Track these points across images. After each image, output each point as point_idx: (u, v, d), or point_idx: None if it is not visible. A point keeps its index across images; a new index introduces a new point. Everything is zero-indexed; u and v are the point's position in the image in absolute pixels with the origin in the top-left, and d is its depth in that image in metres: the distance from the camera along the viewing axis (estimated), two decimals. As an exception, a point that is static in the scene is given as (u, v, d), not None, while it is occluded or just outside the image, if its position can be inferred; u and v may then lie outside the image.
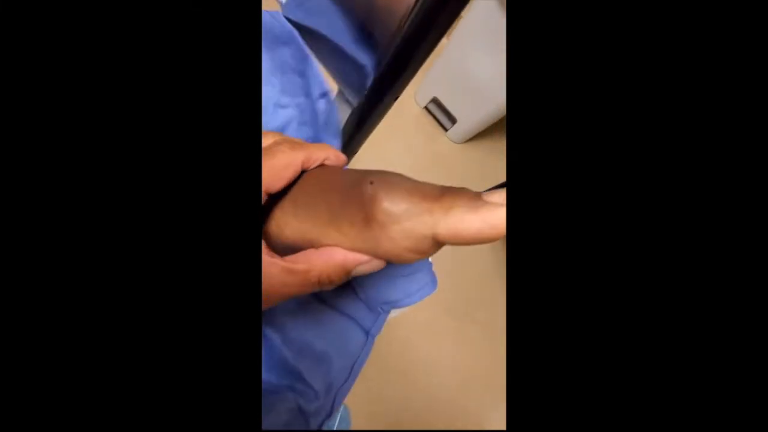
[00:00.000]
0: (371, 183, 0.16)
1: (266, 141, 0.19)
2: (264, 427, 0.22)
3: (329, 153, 0.20)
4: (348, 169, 0.20)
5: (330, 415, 0.24)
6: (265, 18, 0.29)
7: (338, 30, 0.27)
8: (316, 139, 0.29)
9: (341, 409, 0.76)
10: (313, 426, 0.23)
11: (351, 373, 0.26)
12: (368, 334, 0.27)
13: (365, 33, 0.27)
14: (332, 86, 0.29)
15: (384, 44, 0.24)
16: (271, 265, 0.16)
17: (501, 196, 0.14)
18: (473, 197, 0.14)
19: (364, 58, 0.26)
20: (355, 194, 0.16)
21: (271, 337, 0.24)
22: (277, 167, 0.18)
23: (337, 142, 0.29)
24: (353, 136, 0.30)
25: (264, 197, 0.18)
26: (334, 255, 0.17)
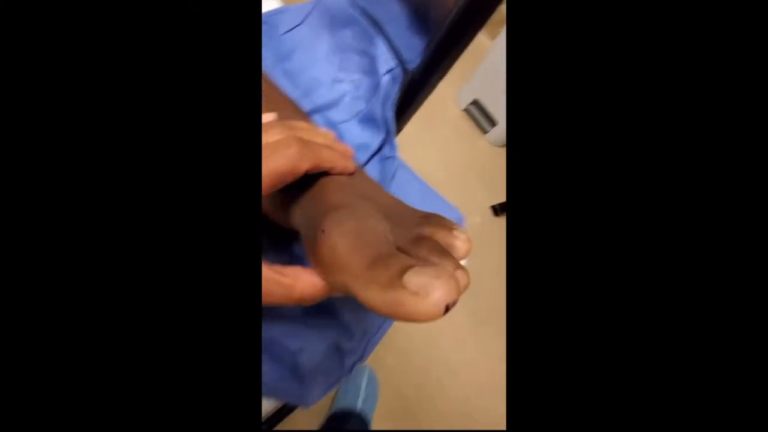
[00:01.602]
0: (322, 231, 0.17)
1: (281, 132, 0.19)
2: (303, 356, 0.24)
3: (337, 162, 0.20)
4: (318, 200, 0.20)
5: (362, 358, 0.26)
6: (329, 2, 0.32)
7: (393, 16, 0.30)
8: (369, 112, 0.32)
9: (368, 369, 0.77)
10: (347, 364, 0.26)
11: (380, 330, 0.28)
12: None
13: (419, 16, 0.30)
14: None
15: (438, 23, 0.26)
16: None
17: (422, 280, 0.14)
18: (394, 276, 0.15)
19: (414, 44, 0.29)
20: (312, 232, 0.18)
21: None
22: (279, 172, 0.18)
23: (391, 115, 0.31)
24: (398, 115, 0.32)
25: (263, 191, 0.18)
26: (318, 279, 0.17)
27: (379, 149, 0.32)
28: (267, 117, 0.22)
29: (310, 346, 0.25)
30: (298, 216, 0.20)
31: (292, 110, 0.27)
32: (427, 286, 0.14)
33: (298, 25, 0.32)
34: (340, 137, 0.32)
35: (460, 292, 0.15)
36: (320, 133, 0.22)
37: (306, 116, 0.28)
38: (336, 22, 0.32)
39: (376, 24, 0.31)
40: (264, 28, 0.32)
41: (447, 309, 0.14)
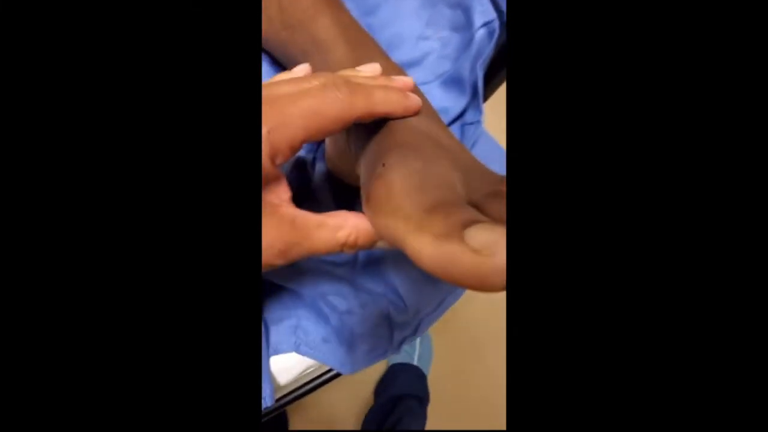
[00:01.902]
0: (383, 165, 0.15)
1: (326, 77, 0.17)
2: (352, 318, 0.23)
3: (395, 105, 0.18)
4: (383, 140, 0.18)
5: (414, 334, 0.24)
6: (426, -51, 0.29)
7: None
8: (455, 73, 0.28)
9: (425, 344, 0.76)
10: (397, 338, 0.24)
11: (440, 306, 0.26)
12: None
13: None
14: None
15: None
16: (296, 216, 0.16)
17: (490, 238, 0.12)
18: (455, 226, 0.12)
19: None
20: (371, 170, 0.16)
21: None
22: (324, 115, 0.16)
23: (481, 75, 0.28)
24: (489, 78, 0.29)
25: (298, 144, 0.16)
26: (367, 222, 0.16)
27: (462, 114, 0.29)
28: (303, 69, 0.20)
29: (359, 309, 0.23)
30: (363, 165, 0.19)
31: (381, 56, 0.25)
32: (493, 246, 0.12)
33: (388, -23, 0.30)
34: (419, 99, 0.29)
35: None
36: (376, 79, 0.19)
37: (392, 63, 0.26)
38: (430, -30, 0.29)
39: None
40: (353, -21, 0.30)
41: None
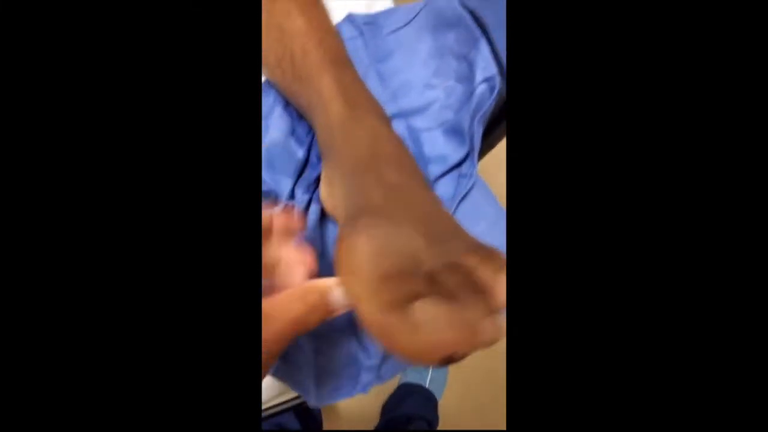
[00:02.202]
0: (352, 226, 0.17)
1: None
2: (320, 358, 0.24)
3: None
4: (363, 193, 0.20)
5: (379, 379, 0.25)
6: (440, 2, 0.30)
7: (502, 19, 0.26)
8: (456, 123, 0.29)
9: (436, 375, 0.75)
10: (363, 380, 0.25)
11: None
12: None
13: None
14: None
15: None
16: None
17: (428, 317, 0.13)
18: (401, 299, 0.13)
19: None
20: (341, 227, 0.18)
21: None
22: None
23: (480, 129, 0.28)
24: (490, 130, 0.29)
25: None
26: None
27: (460, 163, 0.29)
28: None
29: (328, 350, 0.25)
30: (339, 220, 0.20)
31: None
32: (430, 325, 0.12)
33: (403, 26, 0.32)
34: (420, 145, 0.30)
35: (474, 347, 0.13)
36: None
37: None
38: (442, 23, 0.30)
39: (482, 27, 0.28)
40: (369, 28, 0.32)
41: (450, 360, 0.13)
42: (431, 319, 0.12)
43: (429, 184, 0.28)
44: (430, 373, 0.73)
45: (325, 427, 0.71)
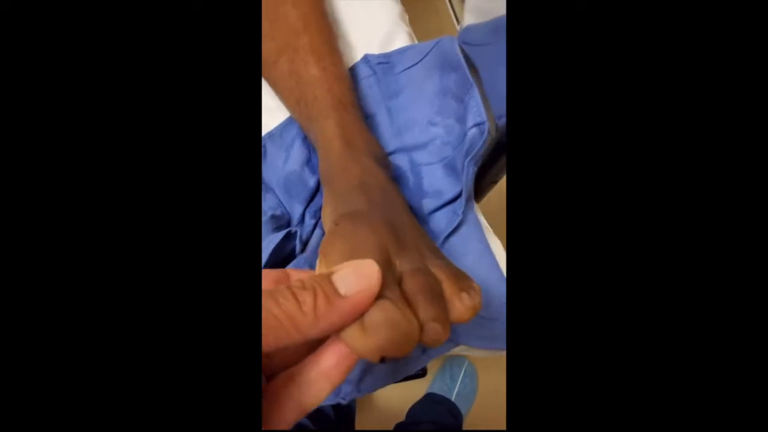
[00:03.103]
0: (336, 224, 0.18)
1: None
2: None
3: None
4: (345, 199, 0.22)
5: (359, 391, 0.28)
6: (446, 43, 0.32)
7: (492, 66, 0.27)
8: (452, 160, 0.30)
9: (467, 364, 0.75)
10: (344, 390, 0.28)
11: (394, 376, 0.29)
12: (424, 352, 0.29)
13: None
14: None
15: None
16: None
17: (375, 316, 0.13)
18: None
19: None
20: (327, 226, 0.19)
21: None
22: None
23: (474, 169, 0.29)
24: (487, 169, 0.30)
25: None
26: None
27: (454, 199, 0.30)
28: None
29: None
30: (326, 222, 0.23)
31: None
32: (377, 326, 0.14)
33: (414, 65, 0.34)
34: (420, 179, 0.32)
35: (411, 345, 0.15)
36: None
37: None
38: (446, 64, 0.31)
39: (476, 72, 0.29)
40: (381, 67, 0.34)
41: (383, 359, 0.14)
42: (380, 321, 0.14)
43: (414, 215, 0.30)
44: (456, 386, 0.74)
45: (358, 419, 0.75)
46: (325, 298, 0.14)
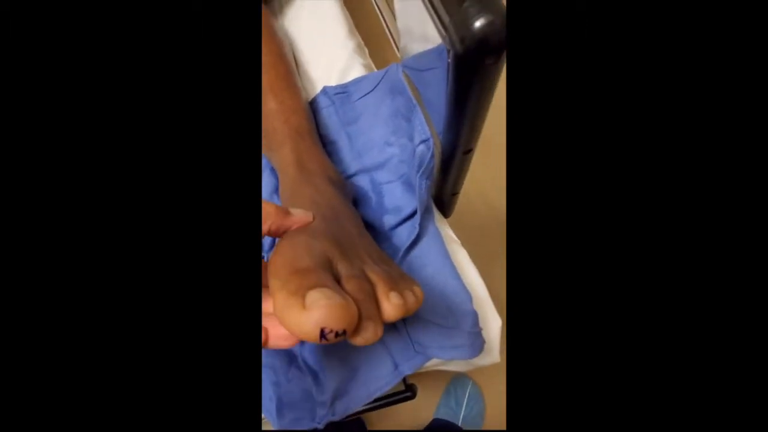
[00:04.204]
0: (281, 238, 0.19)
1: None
2: (280, 393, 0.28)
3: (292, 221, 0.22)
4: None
5: (334, 414, 0.28)
6: (393, 70, 0.34)
7: (432, 86, 0.29)
8: (408, 176, 0.32)
9: (470, 385, 0.73)
10: (318, 414, 0.28)
11: (368, 395, 0.29)
12: (397, 368, 0.29)
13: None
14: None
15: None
16: None
17: (315, 297, 0.15)
18: (302, 287, 0.15)
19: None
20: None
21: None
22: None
23: (427, 183, 0.31)
24: (443, 182, 0.31)
25: None
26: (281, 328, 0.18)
27: (413, 214, 0.31)
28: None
29: (286, 383, 0.28)
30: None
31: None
32: (313, 303, 0.15)
33: (369, 92, 0.36)
34: (381, 197, 0.33)
35: (348, 324, 0.15)
36: None
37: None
38: (395, 89, 0.33)
39: (417, 93, 0.31)
40: (339, 97, 0.37)
41: (323, 334, 0.14)
42: (318, 297, 0.15)
43: (374, 230, 0.31)
44: (462, 410, 0.72)
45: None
46: None
